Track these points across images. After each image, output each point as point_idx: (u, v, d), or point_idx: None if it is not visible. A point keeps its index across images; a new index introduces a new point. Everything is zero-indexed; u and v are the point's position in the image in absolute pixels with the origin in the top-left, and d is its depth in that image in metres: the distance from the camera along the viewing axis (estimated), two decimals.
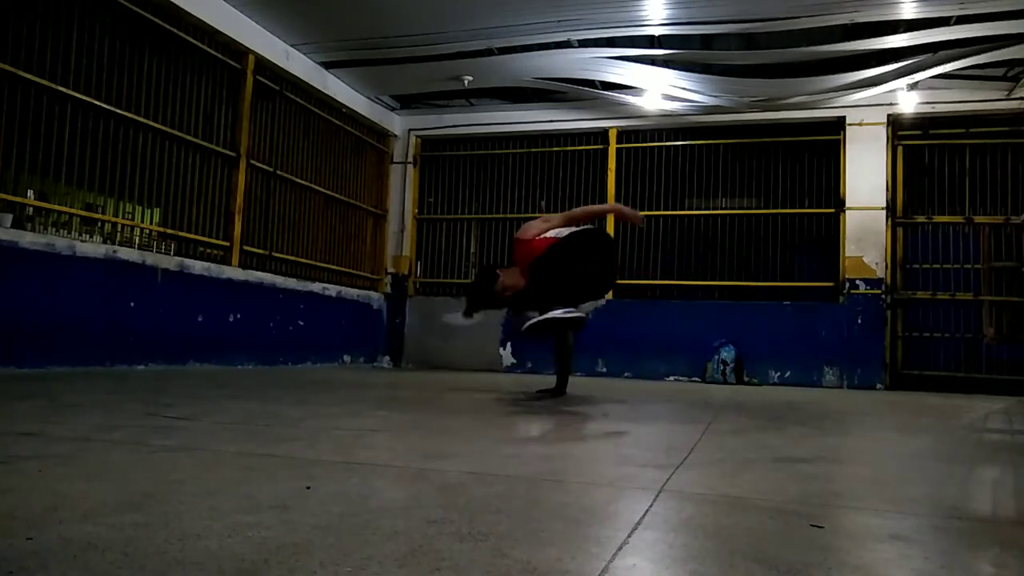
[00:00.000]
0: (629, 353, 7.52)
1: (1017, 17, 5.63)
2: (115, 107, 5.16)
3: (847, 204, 7.32)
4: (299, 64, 7.00)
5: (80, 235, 5.05)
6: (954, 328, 7.12)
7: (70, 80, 4.84)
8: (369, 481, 1.50)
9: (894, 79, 6.68)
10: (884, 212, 7.23)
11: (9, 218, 4.41)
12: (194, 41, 5.87)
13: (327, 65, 7.33)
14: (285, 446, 1.92)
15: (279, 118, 6.98)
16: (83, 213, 5.06)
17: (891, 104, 7.13)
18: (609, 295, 7.39)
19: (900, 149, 7.41)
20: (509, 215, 8.45)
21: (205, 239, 6.02)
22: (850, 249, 7.27)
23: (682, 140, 7.96)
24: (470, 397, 4.01)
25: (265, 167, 6.71)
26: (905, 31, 6.00)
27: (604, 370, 7.60)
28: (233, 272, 6.19)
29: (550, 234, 3.86)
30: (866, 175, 7.29)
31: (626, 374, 7.61)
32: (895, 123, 7.34)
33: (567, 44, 6.62)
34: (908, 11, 5.73)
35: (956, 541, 1.20)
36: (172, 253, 5.69)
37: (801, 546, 1.10)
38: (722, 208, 7.85)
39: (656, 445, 2.32)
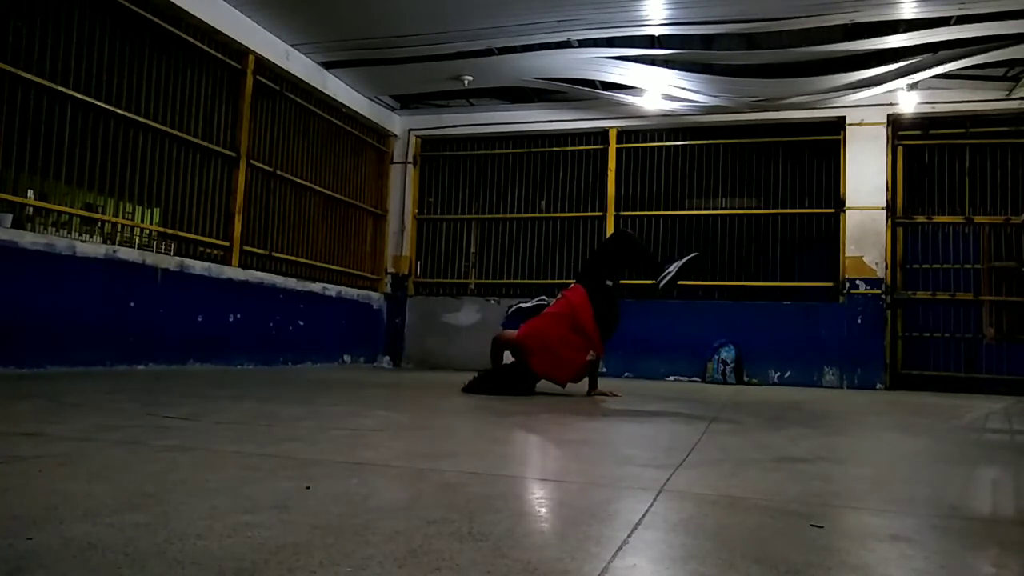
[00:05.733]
0: (629, 352, 7.51)
1: (1017, 17, 5.63)
2: (115, 107, 5.16)
3: (847, 204, 7.32)
4: (299, 64, 7.00)
5: (80, 235, 5.05)
6: (954, 328, 7.12)
7: (70, 80, 4.84)
8: (369, 481, 1.50)
9: (894, 79, 6.68)
10: (884, 212, 7.23)
11: (9, 218, 4.41)
12: (194, 41, 5.87)
13: (327, 65, 7.34)
14: (285, 446, 1.92)
15: (279, 118, 6.98)
16: (83, 213, 5.06)
17: (891, 104, 7.13)
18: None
19: (900, 149, 7.41)
20: (509, 215, 8.45)
21: (205, 239, 6.02)
22: (850, 249, 7.27)
23: (682, 140, 7.96)
24: (470, 397, 4.01)
25: (265, 167, 6.71)
26: (905, 31, 6.00)
27: (604, 369, 7.56)
28: (233, 272, 6.19)
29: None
30: (866, 175, 7.29)
31: (626, 374, 7.62)
32: (895, 123, 7.34)
33: (567, 44, 6.62)
34: (908, 11, 5.73)
35: (956, 541, 1.19)
36: (172, 253, 5.69)
37: (801, 546, 1.10)
38: (722, 208, 7.85)
39: (656, 445, 2.32)
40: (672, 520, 1.25)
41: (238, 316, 6.20)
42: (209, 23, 5.88)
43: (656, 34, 6.37)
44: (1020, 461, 2.32)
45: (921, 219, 7.30)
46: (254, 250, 6.56)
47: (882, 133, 7.29)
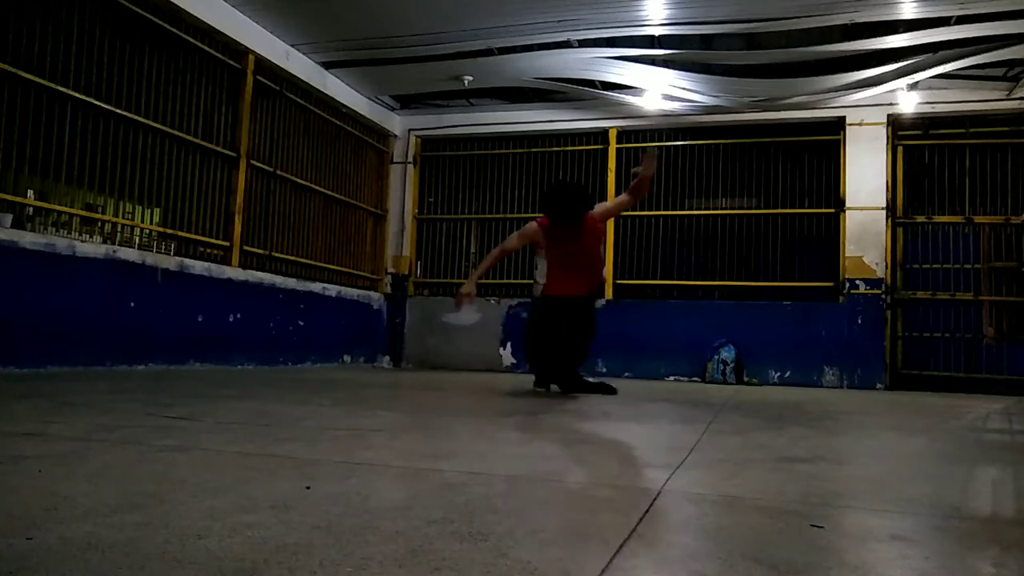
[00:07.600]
0: (629, 353, 7.51)
1: (1017, 17, 5.63)
2: (115, 107, 5.16)
3: (847, 204, 7.32)
4: (299, 64, 7.00)
5: (80, 235, 5.05)
6: (954, 328, 7.12)
7: (70, 80, 4.84)
8: (369, 481, 1.50)
9: (894, 79, 6.68)
10: (884, 212, 7.23)
11: (9, 218, 4.41)
12: (194, 41, 5.87)
13: (327, 65, 7.33)
14: (285, 446, 1.92)
15: (279, 118, 6.98)
16: (83, 213, 5.06)
17: (891, 104, 7.12)
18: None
19: (900, 149, 7.41)
20: (509, 215, 8.45)
21: (205, 239, 6.02)
22: (850, 249, 7.27)
23: (682, 140, 7.96)
24: (470, 397, 4.02)
25: (265, 167, 6.71)
26: (905, 31, 6.00)
27: (604, 370, 7.60)
28: (233, 272, 6.19)
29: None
30: (866, 175, 7.29)
31: (626, 374, 7.61)
32: (895, 123, 7.34)
33: (567, 44, 6.62)
34: (908, 11, 5.73)
35: (956, 541, 1.20)
36: (172, 253, 5.69)
37: (801, 546, 1.10)
38: (722, 208, 7.85)
39: (656, 445, 2.32)
40: (672, 520, 1.25)
41: (238, 316, 6.20)
42: (209, 23, 5.87)
43: (656, 34, 6.36)
44: (1020, 461, 2.32)
45: (921, 219, 7.29)
46: (254, 250, 6.55)
47: (882, 133, 7.29)
